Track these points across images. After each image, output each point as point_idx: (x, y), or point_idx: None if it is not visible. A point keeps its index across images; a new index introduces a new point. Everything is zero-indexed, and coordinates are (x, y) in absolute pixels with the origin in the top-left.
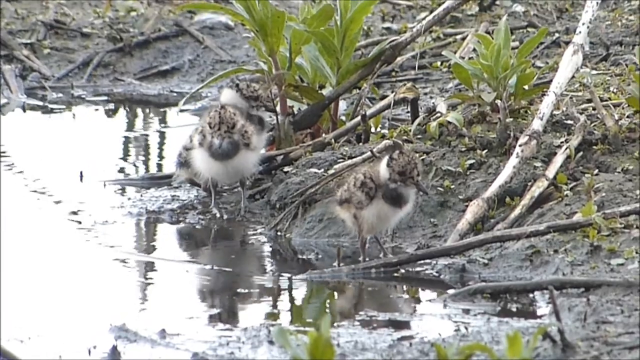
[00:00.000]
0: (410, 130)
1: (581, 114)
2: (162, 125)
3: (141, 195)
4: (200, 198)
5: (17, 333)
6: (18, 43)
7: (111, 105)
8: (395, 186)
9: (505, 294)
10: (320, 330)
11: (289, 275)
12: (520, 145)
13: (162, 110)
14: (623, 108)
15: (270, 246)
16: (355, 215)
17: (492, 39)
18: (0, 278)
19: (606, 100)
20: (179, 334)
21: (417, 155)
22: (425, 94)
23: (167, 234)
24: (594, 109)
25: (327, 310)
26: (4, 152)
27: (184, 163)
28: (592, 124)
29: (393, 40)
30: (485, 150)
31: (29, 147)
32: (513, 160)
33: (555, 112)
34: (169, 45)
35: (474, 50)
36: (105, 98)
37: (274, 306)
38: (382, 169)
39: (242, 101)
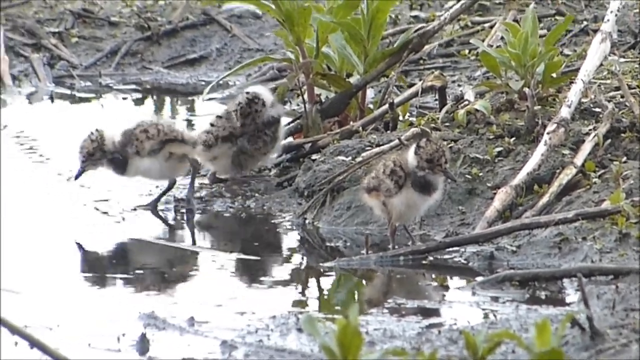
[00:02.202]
0: (438, 118)
1: (609, 101)
2: (190, 113)
3: None
4: (228, 186)
5: (45, 320)
6: (46, 32)
7: (139, 94)
8: (424, 174)
9: (534, 281)
10: (349, 318)
11: (317, 263)
12: (548, 133)
13: (189, 98)
14: None
15: (298, 234)
16: (384, 203)
17: (520, 27)
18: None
19: (634, 88)
20: (208, 322)
21: (445, 142)
22: (453, 81)
23: (195, 222)
24: (622, 96)
25: (356, 298)
26: (33, 140)
27: (203, 147)
28: (620, 112)
29: (421, 29)
30: (513, 138)
31: (57, 135)
32: (541, 148)
33: (583, 100)
34: (197, 34)
35: (502, 38)
36: (133, 87)
37: (303, 294)
38: (410, 157)
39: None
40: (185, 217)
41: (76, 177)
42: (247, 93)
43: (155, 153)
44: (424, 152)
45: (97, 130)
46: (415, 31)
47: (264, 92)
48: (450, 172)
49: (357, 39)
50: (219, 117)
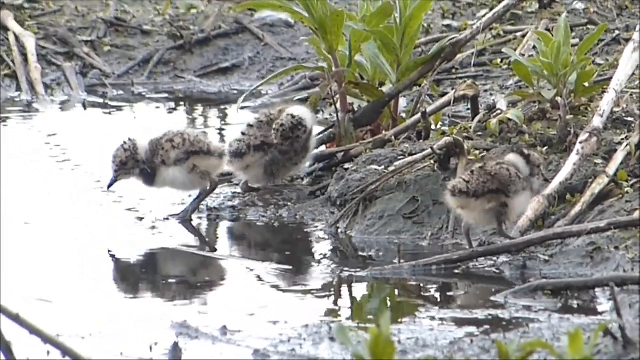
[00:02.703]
0: (470, 127)
1: None
2: (223, 122)
3: None
4: (260, 195)
5: (78, 330)
6: (78, 40)
7: (171, 103)
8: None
9: (566, 290)
10: (381, 327)
11: (349, 272)
12: (580, 142)
13: (222, 107)
14: None
15: (331, 243)
16: (504, 204)
17: (552, 36)
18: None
19: None
20: (240, 331)
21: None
22: (486, 91)
23: (227, 231)
24: None
25: (388, 307)
26: (65, 149)
27: (235, 156)
28: None
29: (453, 38)
30: (546, 147)
31: (89, 144)
32: (573, 157)
33: (615, 109)
34: (229, 43)
35: (534, 47)
36: (165, 95)
37: (335, 303)
38: (522, 165)
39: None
40: (217, 226)
41: (109, 186)
42: (293, 117)
43: (181, 163)
44: (534, 159)
45: (130, 139)
46: (448, 40)
47: (307, 115)
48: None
49: (389, 48)
50: (250, 125)
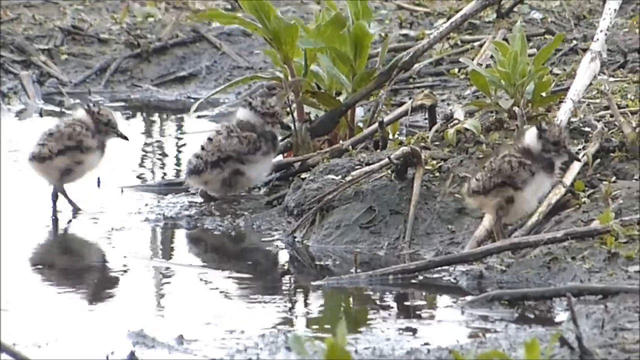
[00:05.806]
0: (427, 137)
1: (598, 121)
2: (180, 131)
3: (158, 202)
4: (217, 205)
5: (34, 338)
6: (35, 49)
7: (128, 111)
8: (550, 156)
9: (523, 300)
10: (337, 337)
11: (306, 281)
12: None
13: (179, 116)
14: None
15: (288, 252)
16: (510, 199)
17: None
18: None
19: (624, 108)
20: (197, 340)
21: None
22: (443, 100)
23: (184, 240)
24: (611, 116)
25: (344, 317)
26: (22, 158)
27: (193, 171)
28: (610, 131)
29: (410, 48)
30: None
31: None
32: None
33: (572, 119)
34: (187, 51)
35: (492, 57)
36: (122, 104)
37: (292, 312)
38: (533, 142)
39: (257, 118)
40: (174, 235)
41: None
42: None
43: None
44: (549, 135)
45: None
46: (404, 53)
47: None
48: (573, 152)
49: (343, 59)
50: (209, 139)
